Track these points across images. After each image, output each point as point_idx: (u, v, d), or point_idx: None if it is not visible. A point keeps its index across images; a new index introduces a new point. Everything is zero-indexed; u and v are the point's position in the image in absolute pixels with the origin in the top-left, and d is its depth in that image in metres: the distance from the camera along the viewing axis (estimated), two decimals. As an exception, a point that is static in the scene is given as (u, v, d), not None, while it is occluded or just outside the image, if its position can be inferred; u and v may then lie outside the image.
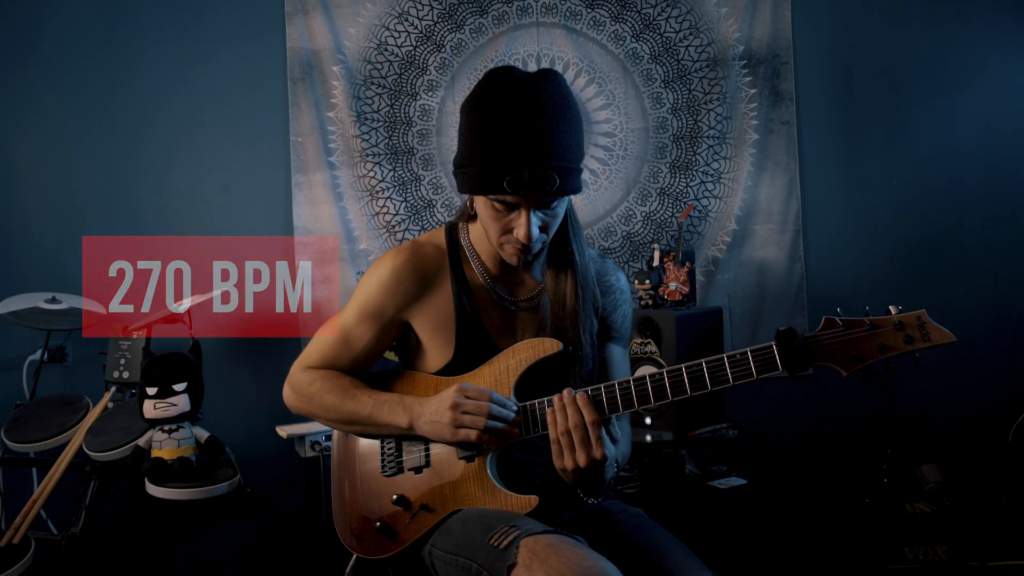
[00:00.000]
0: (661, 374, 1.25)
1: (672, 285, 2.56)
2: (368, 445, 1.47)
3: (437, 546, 1.31)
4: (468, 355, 1.40)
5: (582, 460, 1.23)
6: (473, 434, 1.29)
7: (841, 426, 2.99)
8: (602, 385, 1.28)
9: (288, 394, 1.48)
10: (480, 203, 1.33)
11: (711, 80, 3.02)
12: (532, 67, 2.95)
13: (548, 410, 1.28)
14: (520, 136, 1.23)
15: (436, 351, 1.42)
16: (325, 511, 2.37)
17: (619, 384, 1.27)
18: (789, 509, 2.49)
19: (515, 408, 1.32)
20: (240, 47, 2.83)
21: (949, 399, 3.00)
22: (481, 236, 1.42)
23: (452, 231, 1.47)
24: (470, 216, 1.43)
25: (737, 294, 3.05)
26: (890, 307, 1.17)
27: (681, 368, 1.24)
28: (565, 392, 1.27)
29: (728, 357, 1.21)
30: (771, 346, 1.18)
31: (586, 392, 1.27)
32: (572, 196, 1.36)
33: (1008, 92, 3.12)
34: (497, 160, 1.24)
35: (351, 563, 1.52)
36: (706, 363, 1.22)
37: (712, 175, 3.04)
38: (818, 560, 2.31)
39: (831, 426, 3.01)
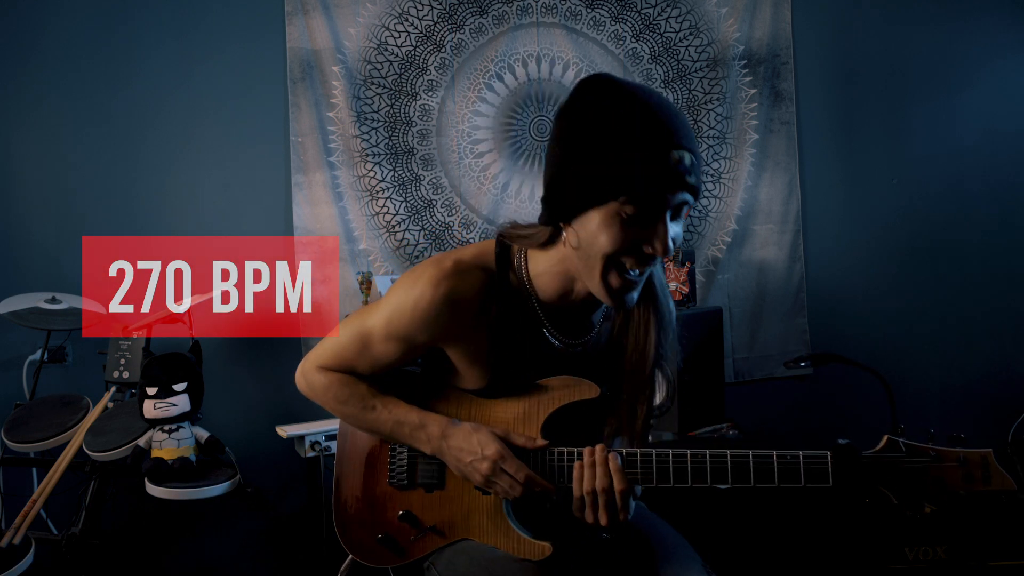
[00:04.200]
0: (704, 457, 1.16)
1: (672, 285, 2.56)
2: (374, 447, 1.39)
3: (438, 568, 1.28)
4: (500, 388, 1.29)
5: (604, 521, 1.16)
6: (500, 496, 1.25)
7: (841, 426, 2.99)
8: (638, 451, 1.18)
9: (303, 386, 1.37)
10: (595, 219, 1.10)
11: (711, 80, 3.02)
12: (532, 67, 2.95)
13: (576, 463, 1.19)
14: (654, 119, 1.06)
15: (468, 376, 1.30)
16: (325, 511, 2.37)
17: (657, 456, 1.17)
18: (789, 509, 2.48)
19: (552, 494, 1.23)
20: (240, 47, 2.83)
21: (949, 399, 3.00)
22: (546, 269, 1.22)
23: (505, 253, 1.26)
24: (541, 244, 1.22)
25: (737, 294, 3.05)
26: (953, 435, 1.11)
27: (727, 456, 1.15)
28: (598, 449, 1.18)
29: (778, 456, 1.15)
30: (826, 457, 1.12)
31: (619, 456, 1.18)
32: None
33: (1008, 92, 3.12)
34: (636, 149, 1.05)
35: (346, 563, 1.51)
36: (753, 457, 1.15)
37: (712, 175, 3.04)
38: (818, 560, 2.30)
39: (831, 426, 3.01)
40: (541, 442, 1.23)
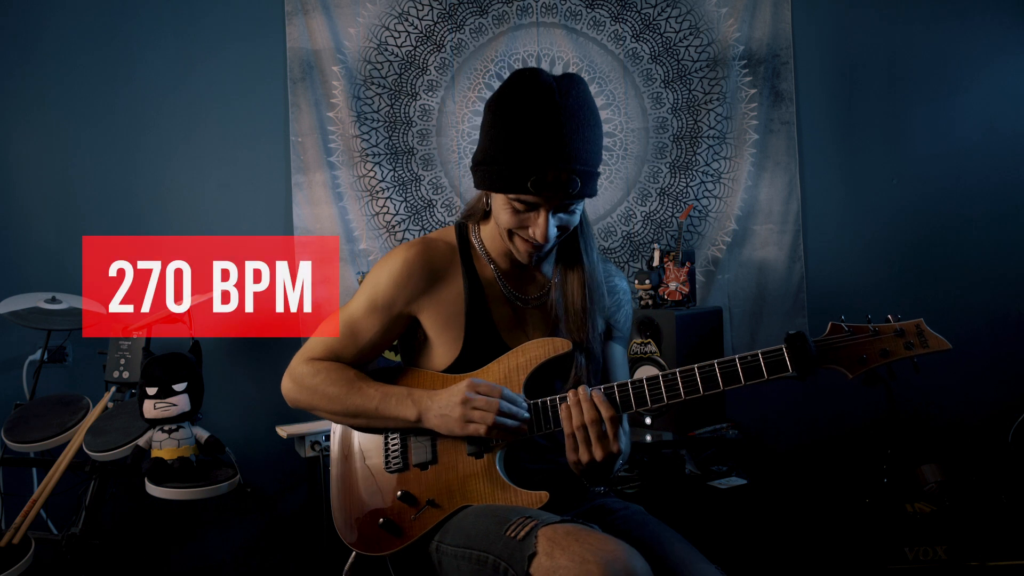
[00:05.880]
0: (674, 373, 1.29)
1: (672, 285, 2.56)
2: (370, 440, 1.45)
3: (446, 542, 1.30)
4: (476, 351, 1.40)
5: (598, 454, 1.27)
6: (483, 428, 1.30)
7: (841, 426, 2.99)
8: (615, 384, 1.31)
9: (288, 386, 1.45)
10: (498, 199, 1.35)
11: (711, 80, 3.02)
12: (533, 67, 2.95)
13: (562, 405, 1.30)
14: (545, 138, 1.26)
15: (444, 347, 1.42)
16: (325, 511, 2.37)
17: (632, 383, 1.30)
18: (789, 509, 2.48)
19: (525, 404, 1.34)
20: (240, 47, 2.83)
21: (949, 399, 2.99)
22: (492, 234, 1.44)
23: (462, 230, 1.48)
24: (482, 216, 1.46)
25: (737, 294, 3.05)
26: (888, 315, 1.25)
27: (694, 368, 1.27)
28: (580, 388, 1.30)
29: (740, 358, 1.25)
30: (781, 349, 1.22)
31: (600, 389, 1.30)
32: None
33: (1008, 92, 3.11)
34: (521, 160, 1.27)
35: (350, 560, 1.52)
36: (718, 364, 1.26)
37: (712, 175, 3.04)
38: (818, 560, 2.30)
39: (831, 426, 3.01)
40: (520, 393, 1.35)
